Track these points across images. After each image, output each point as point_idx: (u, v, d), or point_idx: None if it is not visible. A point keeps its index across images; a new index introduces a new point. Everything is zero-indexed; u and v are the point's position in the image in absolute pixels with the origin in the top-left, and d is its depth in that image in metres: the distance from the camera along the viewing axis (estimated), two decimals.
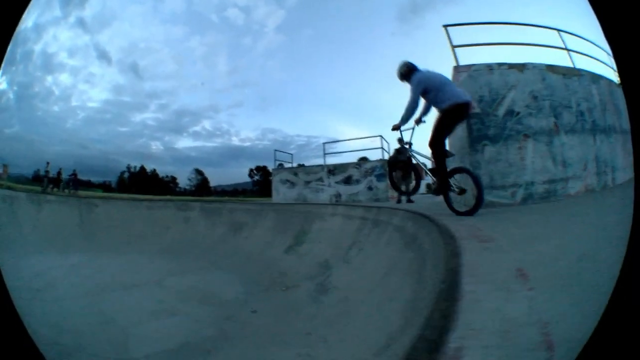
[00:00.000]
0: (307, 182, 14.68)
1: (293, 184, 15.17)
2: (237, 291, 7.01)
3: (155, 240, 13.58)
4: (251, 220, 12.39)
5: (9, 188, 17.32)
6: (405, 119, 4.29)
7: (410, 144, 4.86)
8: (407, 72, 4.40)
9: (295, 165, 16.96)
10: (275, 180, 16.06)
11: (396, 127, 4.48)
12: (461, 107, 4.12)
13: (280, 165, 16.66)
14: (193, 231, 14.26)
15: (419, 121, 4.85)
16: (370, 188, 13.09)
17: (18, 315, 1.77)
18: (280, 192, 15.61)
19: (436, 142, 4.24)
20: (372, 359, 2.50)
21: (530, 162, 5.25)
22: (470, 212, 4.08)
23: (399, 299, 3.29)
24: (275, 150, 16.97)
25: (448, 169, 4.34)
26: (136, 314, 6.10)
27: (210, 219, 14.47)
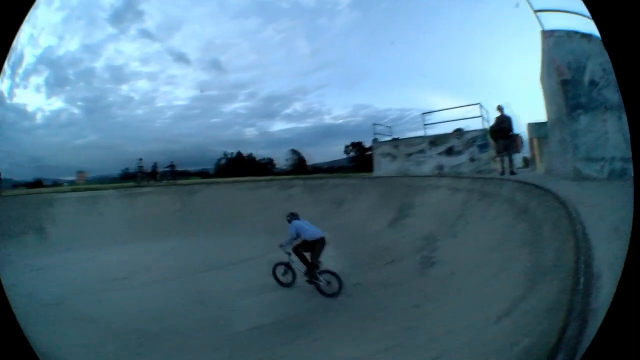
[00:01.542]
0: (409, 155, 14.39)
1: (394, 157, 14.85)
2: (342, 265, 7.14)
3: (257, 220, 13.83)
4: (353, 195, 12.60)
5: (90, 190, 17.69)
6: (288, 244, 6.38)
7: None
8: (291, 218, 6.80)
9: (390, 139, 16.57)
10: (376, 153, 15.78)
11: (281, 245, 6.40)
12: (318, 239, 6.26)
13: (375, 139, 16.42)
14: (295, 208, 13.43)
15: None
16: (472, 159, 12.40)
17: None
18: (382, 166, 15.23)
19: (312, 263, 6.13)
20: (490, 326, 2.66)
21: (612, 136, 5.37)
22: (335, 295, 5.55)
23: (513, 268, 3.50)
24: (374, 124, 16.62)
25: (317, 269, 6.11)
26: (235, 290, 6.33)
27: (313, 195, 14.73)
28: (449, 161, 13.11)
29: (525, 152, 13.12)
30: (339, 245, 8.63)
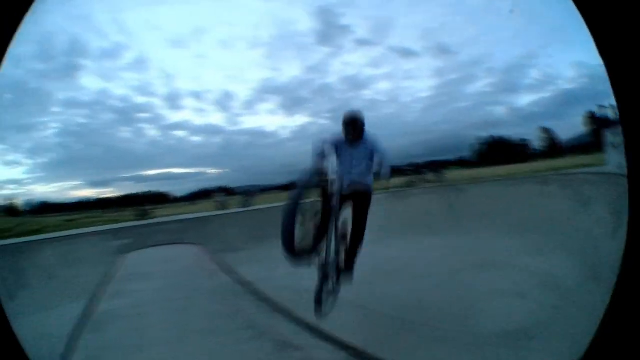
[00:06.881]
0: (618, 146, 10.91)
1: (615, 147, 11.64)
2: (575, 279, 6.79)
3: (512, 218, 12.57)
4: (599, 193, 10.72)
5: None
6: None
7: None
8: None
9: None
10: (606, 143, 12.76)
11: None
12: None
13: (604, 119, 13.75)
14: (545, 207, 12.56)
15: None
16: None
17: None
18: (611, 159, 12.07)
19: None
20: None
21: None
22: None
23: None
24: (598, 105, 14.27)
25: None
26: (487, 292, 6.49)
27: (568, 191, 12.69)
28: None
29: None
30: (581, 254, 8.01)
